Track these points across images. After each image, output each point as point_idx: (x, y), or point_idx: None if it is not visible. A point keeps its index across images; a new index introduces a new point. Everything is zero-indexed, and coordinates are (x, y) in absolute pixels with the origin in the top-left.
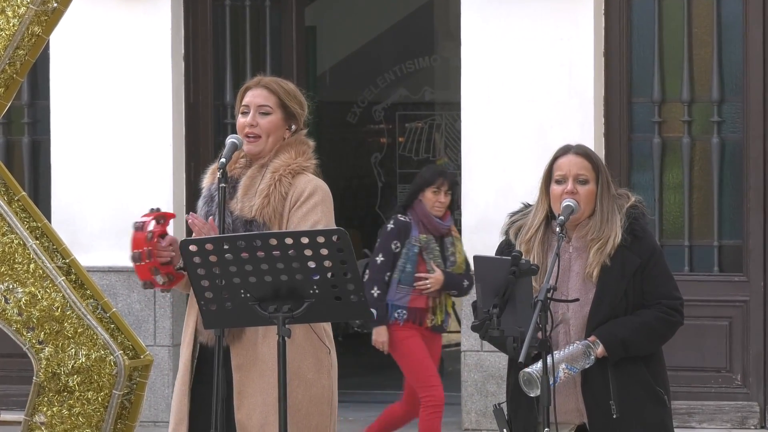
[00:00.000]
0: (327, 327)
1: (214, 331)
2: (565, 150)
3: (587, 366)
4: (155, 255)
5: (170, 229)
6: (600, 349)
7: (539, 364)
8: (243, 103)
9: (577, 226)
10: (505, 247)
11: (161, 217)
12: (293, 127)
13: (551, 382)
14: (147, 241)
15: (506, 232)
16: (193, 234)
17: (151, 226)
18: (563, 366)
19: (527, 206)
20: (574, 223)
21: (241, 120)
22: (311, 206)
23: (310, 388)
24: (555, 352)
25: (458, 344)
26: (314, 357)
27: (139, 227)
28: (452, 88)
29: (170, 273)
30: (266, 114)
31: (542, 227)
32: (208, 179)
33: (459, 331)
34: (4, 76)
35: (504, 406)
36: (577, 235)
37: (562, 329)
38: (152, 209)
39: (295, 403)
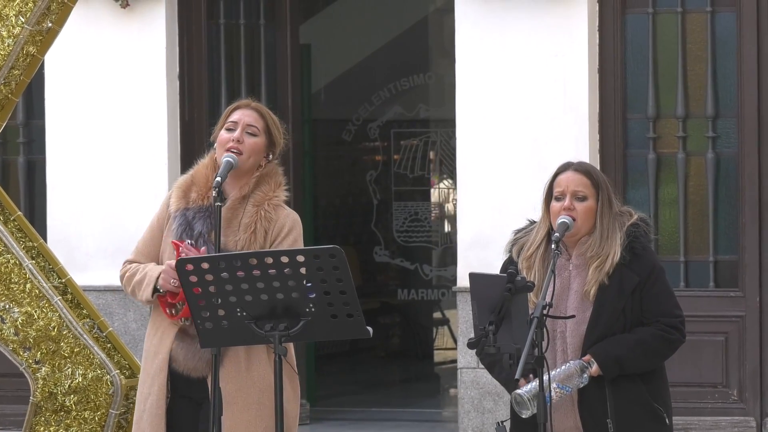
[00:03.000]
0: (293, 352)
1: (211, 350)
2: (565, 167)
3: (581, 385)
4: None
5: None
6: (594, 368)
7: (530, 386)
8: (231, 120)
9: (577, 243)
10: (509, 264)
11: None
12: (270, 156)
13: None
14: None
15: (509, 250)
16: None
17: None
18: (554, 385)
19: (532, 223)
20: (573, 239)
21: (225, 135)
22: (291, 241)
23: (287, 418)
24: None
25: (454, 361)
26: (290, 386)
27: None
28: (447, 105)
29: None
30: (253, 135)
31: (543, 244)
32: (179, 201)
33: (455, 349)
34: None
35: (507, 424)
36: (577, 252)
37: (560, 347)
38: (189, 243)
39: None
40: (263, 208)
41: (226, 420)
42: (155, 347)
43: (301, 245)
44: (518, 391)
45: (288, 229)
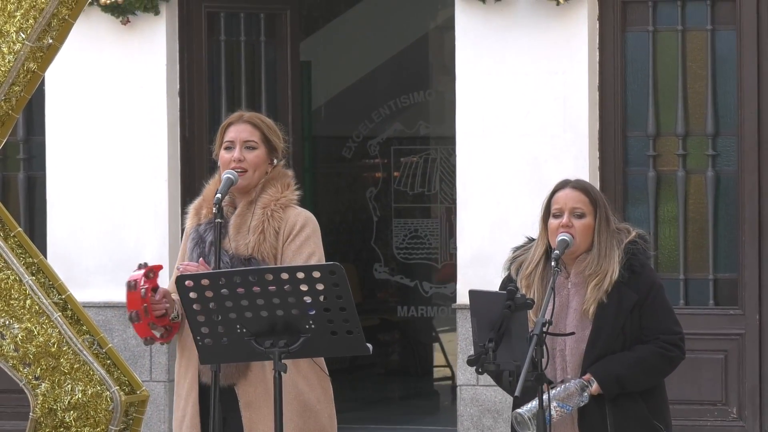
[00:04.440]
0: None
1: (211, 366)
2: (563, 184)
3: (582, 404)
4: (151, 310)
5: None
6: (595, 387)
7: (531, 405)
8: (227, 139)
9: (576, 261)
10: (508, 282)
11: (150, 271)
12: (274, 160)
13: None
14: (141, 298)
15: (508, 268)
16: None
17: (142, 282)
18: (554, 404)
19: (530, 240)
20: (571, 257)
21: (226, 155)
22: (304, 239)
23: (319, 419)
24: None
25: (448, 378)
26: (321, 387)
27: (132, 286)
28: (447, 122)
29: (167, 325)
30: (252, 149)
31: (542, 262)
32: (192, 220)
33: (446, 366)
34: None
35: None
36: (575, 270)
37: (559, 366)
38: (140, 264)
39: None
40: (270, 209)
41: (255, 424)
42: (184, 368)
43: (315, 242)
44: (519, 410)
45: (300, 226)
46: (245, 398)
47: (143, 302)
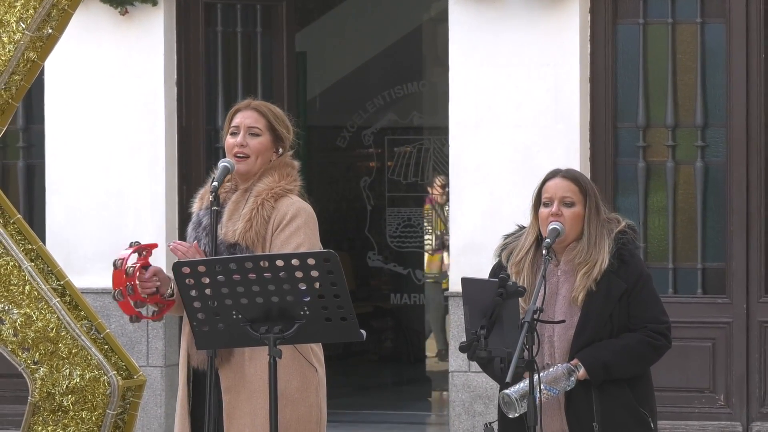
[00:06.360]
0: (314, 346)
1: (207, 352)
2: (553, 173)
3: (568, 388)
4: (137, 289)
5: (154, 259)
6: (581, 372)
7: (518, 386)
8: (233, 124)
9: (566, 249)
10: (498, 269)
11: (142, 249)
12: (280, 150)
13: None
14: (127, 276)
15: (498, 255)
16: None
17: (132, 260)
18: (542, 387)
19: (521, 228)
20: (561, 245)
21: (230, 140)
22: (294, 229)
23: (297, 407)
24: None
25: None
26: (300, 376)
27: (118, 264)
28: (440, 112)
29: (158, 302)
30: (256, 135)
31: (532, 250)
32: (197, 204)
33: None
34: None
35: (495, 425)
36: (565, 258)
37: (547, 352)
38: (132, 243)
39: (282, 423)
40: (262, 197)
41: (233, 409)
42: (182, 353)
43: (306, 233)
44: (506, 391)
45: (291, 216)
46: (226, 382)
47: (128, 281)
